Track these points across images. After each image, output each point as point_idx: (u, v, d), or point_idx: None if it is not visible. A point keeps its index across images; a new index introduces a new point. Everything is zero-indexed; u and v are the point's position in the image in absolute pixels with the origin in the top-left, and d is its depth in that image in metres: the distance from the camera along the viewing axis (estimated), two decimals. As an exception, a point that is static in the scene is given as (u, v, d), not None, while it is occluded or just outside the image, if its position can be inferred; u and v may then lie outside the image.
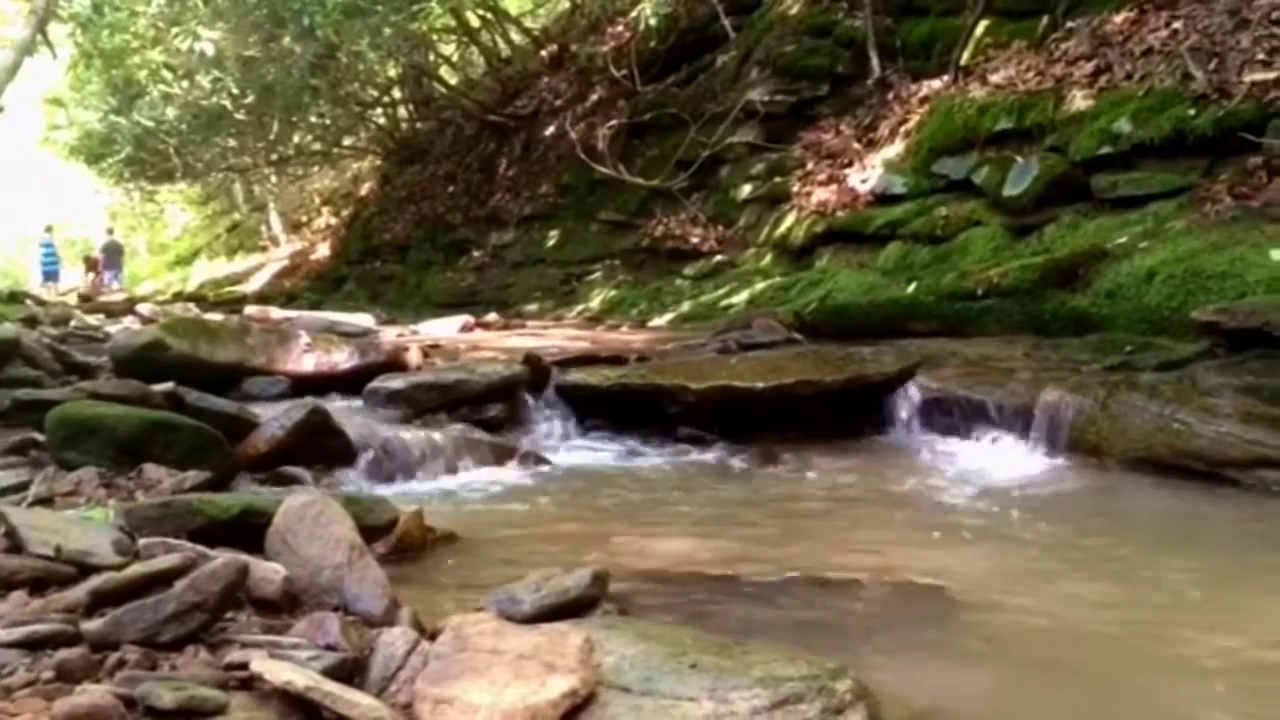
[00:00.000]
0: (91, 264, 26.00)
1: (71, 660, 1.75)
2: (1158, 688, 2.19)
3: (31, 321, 8.73)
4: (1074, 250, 6.57)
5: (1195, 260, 5.65)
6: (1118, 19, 8.07)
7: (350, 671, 1.84)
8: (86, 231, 25.79)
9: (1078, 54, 8.14)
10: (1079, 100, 7.68)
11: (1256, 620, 2.56)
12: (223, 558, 2.07)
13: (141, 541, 2.39)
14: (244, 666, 1.76)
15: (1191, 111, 6.75)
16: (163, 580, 2.01)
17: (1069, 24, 8.58)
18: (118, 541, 2.35)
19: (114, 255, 25.89)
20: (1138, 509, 3.74)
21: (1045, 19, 8.95)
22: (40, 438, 3.74)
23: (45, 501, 3.16)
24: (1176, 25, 7.51)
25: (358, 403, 5.01)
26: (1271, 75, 6.57)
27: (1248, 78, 6.66)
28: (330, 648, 1.90)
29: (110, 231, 26.96)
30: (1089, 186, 7.26)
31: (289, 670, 1.70)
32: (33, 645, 1.83)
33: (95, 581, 2.08)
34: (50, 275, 24.67)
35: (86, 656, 1.78)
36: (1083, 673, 2.27)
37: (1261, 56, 6.75)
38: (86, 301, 17.51)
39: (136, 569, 2.09)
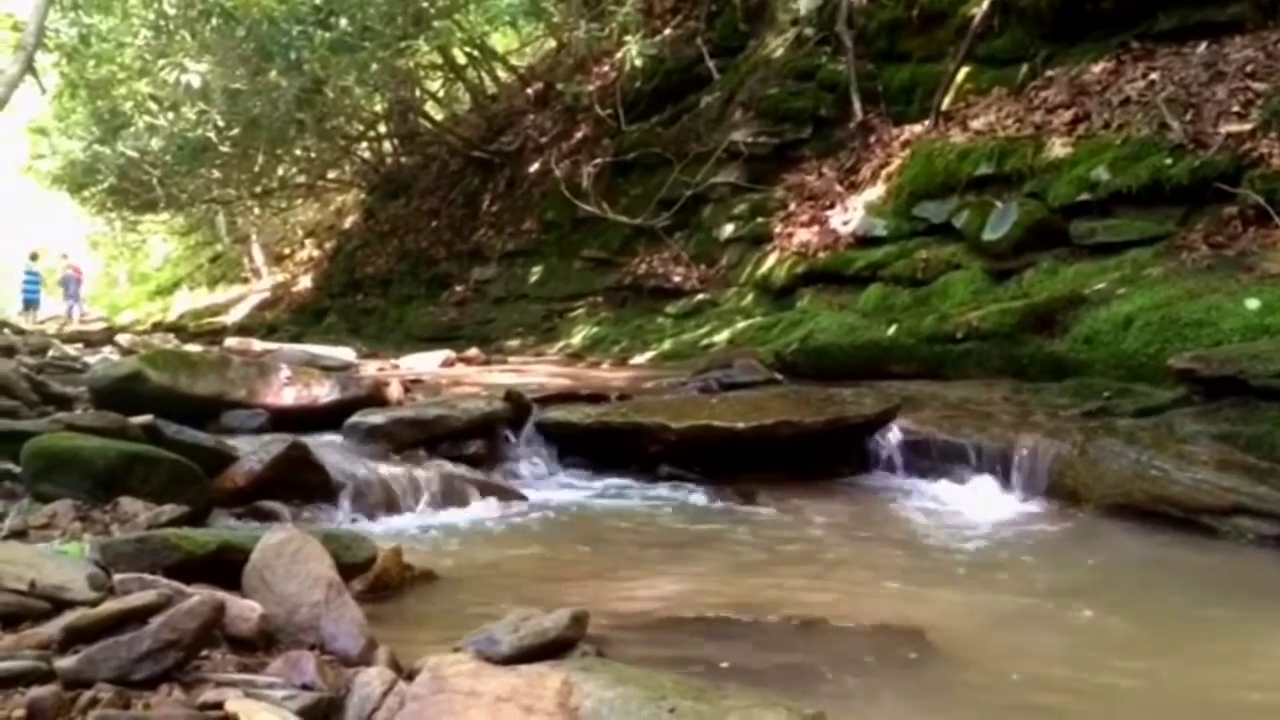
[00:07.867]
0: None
1: (44, 699, 1.73)
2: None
3: (9, 351, 8.68)
4: (1052, 295, 6.63)
5: (1172, 308, 5.71)
6: (1096, 69, 8.19)
7: (325, 712, 1.83)
8: (69, 262, 25.56)
9: (1057, 102, 8.25)
10: (1058, 147, 7.78)
11: (1233, 668, 2.57)
12: (199, 595, 2.06)
13: (117, 577, 2.37)
14: (218, 706, 1.75)
15: (1168, 161, 6.85)
16: (138, 617, 1.99)
17: (1048, 73, 8.69)
18: (93, 576, 2.33)
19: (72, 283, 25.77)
20: (1114, 555, 3.76)
21: (1025, 67, 9.06)
22: (16, 469, 3.71)
23: (20, 534, 3.13)
24: (1154, 76, 7.63)
25: (338, 437, 4.99)
26: (1246, 127, 6.68)
27: (1223, 129, 6.78)
28: (306, 687, 1.89)
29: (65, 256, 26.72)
30: (1067, 232, 7.33)
31: (264, 710, 1.69)
32: (4, 682, 1.81)
33: (69, 617, 2.06)
34: (31, 303, 24.47)
35: (59, 695, 1.76)
36: (1060, 720, 2.28)
37: (1236, 109, 6.87)
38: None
39: (111, 605, 2.07)
